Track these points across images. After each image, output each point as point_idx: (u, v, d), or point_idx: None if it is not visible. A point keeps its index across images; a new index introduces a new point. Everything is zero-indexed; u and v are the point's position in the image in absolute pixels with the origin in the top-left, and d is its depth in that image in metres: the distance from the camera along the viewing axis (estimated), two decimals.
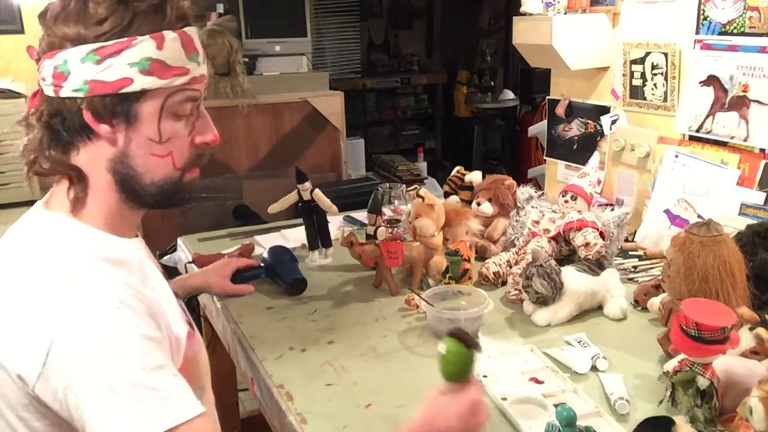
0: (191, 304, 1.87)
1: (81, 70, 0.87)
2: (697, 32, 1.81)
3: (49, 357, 0.81)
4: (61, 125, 0.91)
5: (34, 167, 0.94)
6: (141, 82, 0.88)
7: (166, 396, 0.82)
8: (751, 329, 1.17)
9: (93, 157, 0.93)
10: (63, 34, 0.88)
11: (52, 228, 0.92)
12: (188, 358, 0.99)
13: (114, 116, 0.90)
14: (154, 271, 1.01)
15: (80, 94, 0.88)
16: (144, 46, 0.88)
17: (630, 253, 1.80)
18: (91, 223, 0.93)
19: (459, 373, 0.98)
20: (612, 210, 1.74)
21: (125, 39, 0.87)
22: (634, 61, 2.01)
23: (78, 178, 0.93)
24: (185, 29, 0.92)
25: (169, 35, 0.89)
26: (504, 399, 1.15)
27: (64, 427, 0.84)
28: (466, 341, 0.97)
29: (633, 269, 1.73)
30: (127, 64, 0.87)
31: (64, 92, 0.88)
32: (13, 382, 0.83)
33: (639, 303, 1.53)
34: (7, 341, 0.84)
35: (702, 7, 1.79)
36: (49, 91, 0.90)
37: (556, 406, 0.98)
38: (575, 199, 1.68)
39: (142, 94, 0.89)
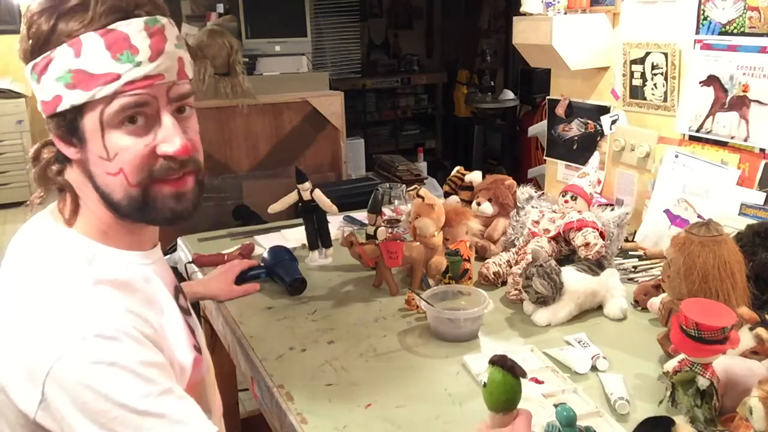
0: (191, 303, 1.87)
1: (35, 90, 0.82)
2: (697, 32, 1.81)
3: (45, 388, 0.76)
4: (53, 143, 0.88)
5: (42, 181, 0.91)
6: (68, 98, 0.80)
7: (176, 420, 0.79)
8: (751, 329, 1.17)
9: (78, 175, 0.88)
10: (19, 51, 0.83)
11: (56, 244, 0.87)
12: (193, 384, 0.94)
13: (70, 136, 0.83)
14: (161, 291, 0.95)
15: (44, 116, 0.84)
16: (63, 57, 0.78)
17: (630, 253, 1.80)
18: (94, 237, 0.89)
19: (504, 403, 0.93)
20: (612, 210, 1.74)
21: (47, 52, 0.79)
22: (634, 61, 2.01)
23: (71, 194, 0.90)
24: (116, 24, 0.79)
25: (89, 39, 0.78)
26: None
27: None
28: (509, 369, 0.93)
29: (633, 269, 1.73)
30: (54, 79, 0.79)
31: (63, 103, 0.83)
32: (14, 406, 0.80)
33: (639, 303, 1.53)
34: (6, 369, 0.80)
35: (702, 7, 1.79)
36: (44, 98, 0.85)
37: (556, 406, 0.98)
38: (575, 199, 1.68)
39: (78, 111, 0.81)
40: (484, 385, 0.94)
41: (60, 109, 0.81)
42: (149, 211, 0.88)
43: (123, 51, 0.79)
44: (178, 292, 1.00)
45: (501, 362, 0.93)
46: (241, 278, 1.72)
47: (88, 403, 0.76)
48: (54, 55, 0.79)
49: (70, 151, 0.85)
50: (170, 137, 0.86)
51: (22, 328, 0.80)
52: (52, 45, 0.79)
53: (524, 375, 0.93)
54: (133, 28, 0.80)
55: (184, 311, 1.00)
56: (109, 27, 0.78)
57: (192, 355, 0.94)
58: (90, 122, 0.82)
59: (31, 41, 0.80)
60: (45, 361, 0.77)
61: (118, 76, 0.79)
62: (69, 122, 0.82)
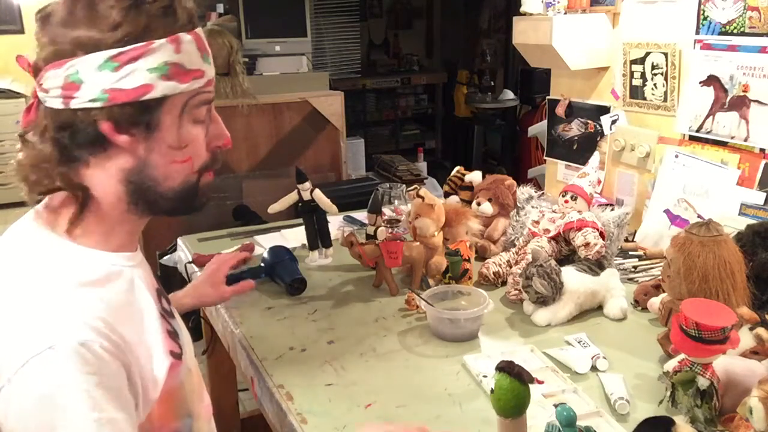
0: None
1: (97, 78, 0.82)
2: (697, 32, 1.81)
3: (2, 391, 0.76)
4: (70, 139, 0.84)
5: (38, 187, 0.88)
6: (162, 88, 0.84)
7: None
8: (751, 329, 1.17)
9: (104, 170, 0.87)
10: (74, 40, 0.81)
11: (41, 252, 0.87)
12: (169, 390, 0.92)
13: (134, 125, 0.85)
14: (143, 294, 0.93)
15: (97, 105, 0.82)
16: (163, 51, 0.84)
17: (630, 253, 1.80)
18: (85, 242, 0.89)
19: (513, 409, 0.94)
20: (612, 210, 1.74)
21: (143, 44, 0.82)
22: (634, 61, 2.01)
23: (83, 196, 0.88)
24: (196, 30, 0.89)
25: (185, 37, 0.86)
26: None
27: None
28: (517, 375, 0.93)
29: (633, 269, 1.73)
30: (146, 69, 0.83)
31: (76, 103, 0.82)
32: None
33: (639, 303, 1.53)
34: None
35: (702, 7, 1.79)
36: (56, 104, 0.83)
37: (556, 406, 0.98)
38: (575, 199, 1.68)
39: (162, 101, 0.85)
40: (492, 391, 0.94)
41: (147, 97, 0.84)
42: (195, 199, 0.96)
43: (204, 52, 0.89)
44: (160, 295, 1.00)
45: (508, 368, 0.93)
46: (239, 278, 1.71)
47: (29, 416, 0.76)
48: (153, 47, 0.83)
49: (120, 139, 0.85)
50: (222, 131, 0.96)
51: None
52: (146, 38, 0.83)
53: (532, 380, 0.93)
54: (203, 34, 0.91)
55: (167, 314, 0.99)
56: (195, 30, 0.88)
57: (167, 362, 0.93)
58: (170, 113, 0.87)
59: (118, 31, 0.82)
60: (11, 366, 0.77)
61: (204, 73, 0.89)
62: (144, 111, 0.85)
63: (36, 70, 0.85)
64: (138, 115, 0.85)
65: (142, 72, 0.83)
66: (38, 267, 0.85)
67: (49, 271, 0.85)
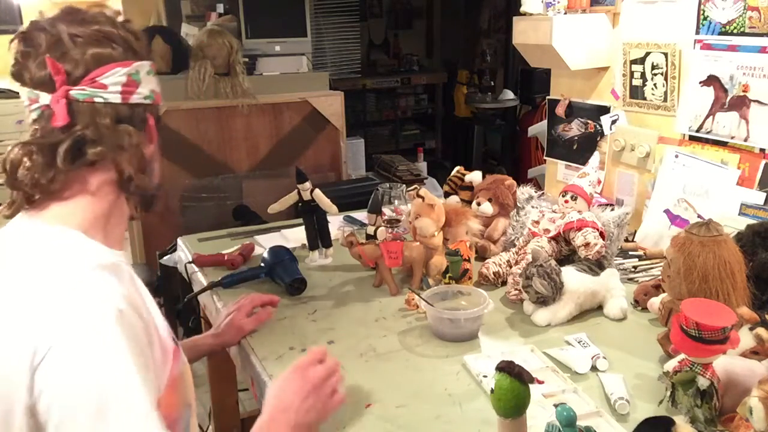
0: (191, 304, 1.87)
1: (148, 81, 0.98)
2: (697, 32, 1.81)
3: (39, 370, 0.80)
4: (101, 134, 0.94)
5: (52, 185, 0.92)
6: (158, 97, 1.03)
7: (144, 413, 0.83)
8: (751, 329, 1.17)
9: (113, 176, 0.98)
10: (131, 46, 0.97)
11: (59, 241, 0.92)
12: (174, 377, 0.97)
13: (158, 122, 1.03)
14: (142, 286, 1.00)
15: (148, 101, 0.99)
16: (146, 67, 1.00)
17: (630, 253, 1.80)
18: (93, 236, 0.95)
19: (513, 409, 0.94)
20: (612, 210, 1.74)
21: (144, 62, 0.99)
22: (634, 61, 2.01)
23: (89, 198, 0.96)
24: None
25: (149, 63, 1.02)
26: None
27: None
28: (517, 375, 0.93)
29: (633, 269, 1.73)
30: (151, 77, 1.01)
31: (135, 99, 0.96)
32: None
33: (639, 303, 1.53)
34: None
35: (702, 7, 1.79)
36: (115, 98, 0.94)
37: (556, 406, 0.98)
38: (575, 199, 1.68)
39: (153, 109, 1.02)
40: (492, 391, 0.94)
41: (158, 103, 1.02)
42: (160, 196, 1.07)
43: None
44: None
45: (508, 369, 0.93)
46: (240, 278, 1.72)
47: (79, 376, 0.80)
48: (146, 62, 1.00)
49: (155, 133, 1.03)
50: None
51: (18, 307, 0.85)
52: (140, 58, 0.98)
53: (532, 380, 0.93)
54: None
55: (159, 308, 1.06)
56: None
57: (172, 345, 0.99)
58: (152, 122, 1.02)
59: (129, 46, 0.97)
60: (51, 336, 0.81)
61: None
62: (144, 116, 1.00)
63: (75, 78, 0.92)
64: (159, 114, 1.03)
65: (151, 80, 1.00)
66: (60, 252, 0.90)
67: (72, 254, 0.91)
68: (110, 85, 0.93)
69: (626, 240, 1.81)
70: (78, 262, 0.89)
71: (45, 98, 0.92)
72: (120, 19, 0.99)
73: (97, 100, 0.93)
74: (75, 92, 0.91)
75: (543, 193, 1.95)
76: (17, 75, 0.94)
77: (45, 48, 0.91)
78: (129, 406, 0.82)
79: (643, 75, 1.99)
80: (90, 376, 0.80)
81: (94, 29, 0.94)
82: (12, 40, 0.94)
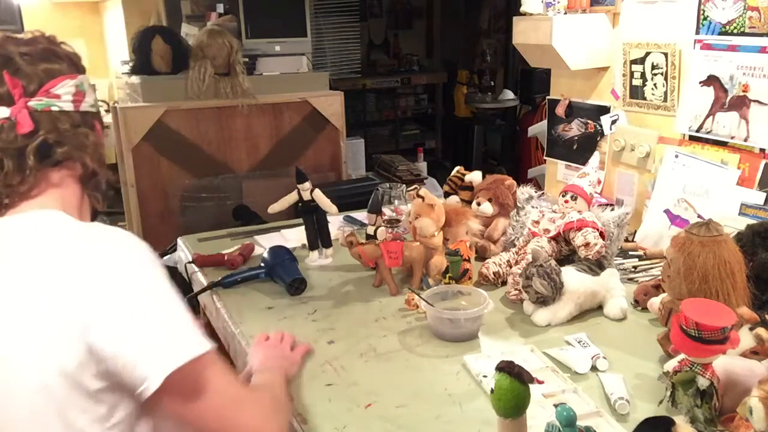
0: (191, 304, 1.87)
1: (90, 92, 1.10)
2: (697, 32, 1.81)
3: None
4: (63, 137, 1.04)
5: (22, 186, 1.02)
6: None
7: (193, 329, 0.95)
8: (751, 329, 1.17)
9: (73, 170, 1.08)
10: (73, 62, 1.09)
11: (61, 219, 1.02)
12: None
13: (102, 127, 1.15)
14: None
15: (93, 110, 1.11)
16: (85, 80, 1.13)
17: (630, 253, 1.80)
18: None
19: (513, 409, 0.94)
20: (612, 210, 1.74)
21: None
22: (634, 61, 2.01)
23: (70, 188, 1.08)
24: None
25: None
26: None
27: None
28: (517, 375, 0.93)
29: (633, 269, 1.73)
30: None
31: (83, 107, 1.08)
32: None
33: (639, 303, 1.53)
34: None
35: (702, 7, 1.79)
36: (68, 106, 1.05)
37: (556, 406, 0.98)
38: (575, 199, 1.68)
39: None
40: (492, 391, 0.94)
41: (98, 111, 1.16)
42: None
43: None
44: None
45: (508, 368, 0.93)
46: (240, 278, 1.72)
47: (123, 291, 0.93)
48: (86, 76, 1.13)
49: (101, 135, 1.14)
50: None
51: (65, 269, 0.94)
52: (82, 72, 1.12)
53: (531, 380, 0.93)
54: None
55: None
56: None
57: None
58: (98, 127, 1.15)
59: (72, 61, 1.11)
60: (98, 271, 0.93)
61: None
62: (92, 122, 1.13)
63: (38, 86, 1.03)
64: (101, 123, 1.15)
65: (96, 96, 1.15)
66: (65, 224, 1.01)
67: (76, 222, 1.04)
68: (63, 95, 1.05)
69: (626, 240, 1.81)
70: (88, 225, 1.02)
71: (5, 111, 1.01)
72: (57, 39, 1.12)
73: (53, 108, 1.04)
74: (33, 103, 1.02)
75: (543, 193, 1.96)
76: None
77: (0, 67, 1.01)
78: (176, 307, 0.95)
79: (643, 75, 1.99)
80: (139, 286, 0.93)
81: (41, 47, 1.06)
82: None
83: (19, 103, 1.01)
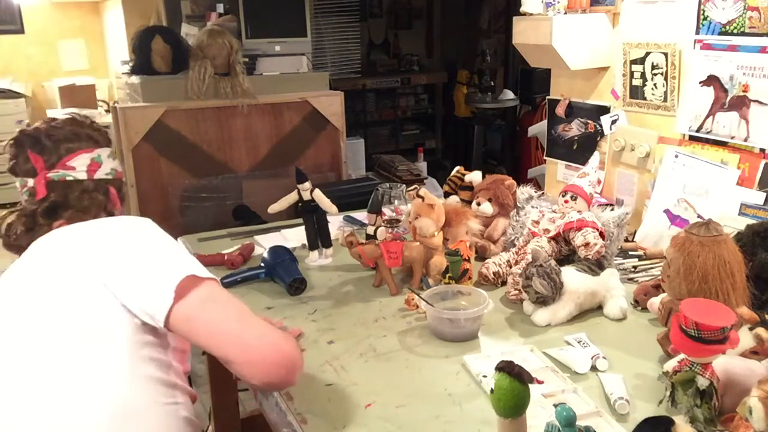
0: None
1: (108, 162, 1.32)
2: (697, 32, 1.81)
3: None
4: (69, 201, 1.26)
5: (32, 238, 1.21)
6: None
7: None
8: (751, 329, 1.17)
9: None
10: (94, 139, 1.31)
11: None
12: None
13: (120, 193, 1.36)
14: None
15: (109, 177, 1.31)
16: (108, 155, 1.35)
17: (630, 253, 1.80)
18: None
19: (512, 408, 0.94)
20: (612, 210, 1.74)
21: (111, 147, 1.35)
22: (634, 61, 2.01)
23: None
24: None
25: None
26: None
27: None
28: (516, 375, 0.93)
29: (633, 269, 1.73)
30: (119, 163, 1.37)
31: (98, 175, 1.29)
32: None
33: (639, 303, 1.53)
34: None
35: (702, 7, 1.79)
36: (81, 175, 1.27)
37: (556, 406, 0.98)
38: (575, 199, 1.68)
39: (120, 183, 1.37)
40: (492, 391, 0.94)
41: (123, 179, 1.40)
42: None
43: None
44: None
45: (508, 368, 0.93)
46: (240, 278, 1.72)
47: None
48: (107, 149, 1.35)
49: (116, 196, 1.36)
50: None
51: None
52: (101, 146, 1.34)
53: (531, 380, 0.93)
54: None
55: None
56: None
57: None
58: (113, 191, 1.36)
59: (92, 138, 1.32)
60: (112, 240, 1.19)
61: None
62: (120, 188, 1.38)
63: (56, 160, 1.26)
64: (122, 187, 1.36)
65: (118, 163, 1.36)
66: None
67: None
68: (77, 166, 1.26)
69: (626, 240, 1.81)
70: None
71: (30, 182, 1.25)
72: (87, 121, 1.34)
73: (68, 177, 1.25)
74: (51, 174, 1.24)
75: (543, 193, 1.96)
76: (12, 170, 1.27)
77: (28, 146, 1.25)
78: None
79: (643, 75, 1.99)
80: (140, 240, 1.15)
81: (66, 130, 1.28)
82: (5, 145, 1.27)
83: (40, 175, 1.24)
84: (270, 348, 1.07)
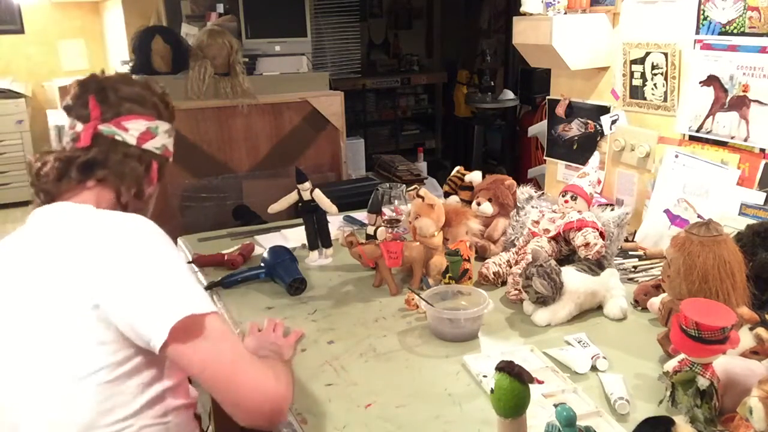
0: None
1: (163, 137, 1.29)
2: (697, 32, 1.81)
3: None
4: (109, 161, 1.21)
5: (61, 188, 1.18)
6: (170, 156, 1.33)
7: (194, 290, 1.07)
8: (751, 329, 1.17)
9: (106, 190, 1.22)
10: (158, 109, 1.27)
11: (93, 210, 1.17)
12: None
13: (162, 172, 1.30)
14: None
15: (158, 151, 1.28)
16: (171, 131, 1.32)
17: (630, 253, 1.80)
18: None
19: (512, 408, 0.94)
20: (612, 210, 1.74)
21: (172, 125, 1.32)
22: (634, 61, 2.01)
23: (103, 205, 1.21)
24: None
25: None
26: None
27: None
28: (516, 375, 0.93)
29: (633, 269, 1.73)
30: (172, 143, 1.32)
31: (147, 146, 1.25)
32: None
33: (639, 303, 1.53)
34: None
35: (702, 7, 1.79)
36: (131, 140, 1.23)
37: (556, 406, 0.98)
38: (575, 199, 1.68)
39: (167, 162, 1.32)
40: (492, 391, 0.94)
41: (170, 159, 1.34)
42: None
43: None
44: None
45: (508, 369, 0.93)
46: (240, 278, 1.72)
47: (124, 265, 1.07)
48: (167, 124, 1.31)
49: (155, 174, 1.32)
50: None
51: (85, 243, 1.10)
52: (163, 119, 1.30)
53: (531, 380, 0.93)
54: None
55: None
56: None
57: None
58: (155, 167, 1.31)
59: (171, 114, 1.33)
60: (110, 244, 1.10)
61: None
62: (164, 165, 1.33)
63: (114, 115, 1.22)
64: (164, 166, 1.31)
65: (171, 143, 1.32)
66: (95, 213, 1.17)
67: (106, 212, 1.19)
68: (131, 129, 1.22)
69: (626, 240, 1.81)
70: (105, 212, 1.16)
71: (80, 127, 1.20)
72: (159, 90, 1.31)
73: (117, 137, 1.21)
74: (103, 127, 1.20)
75: (543, 193, 1.96)
76: (67, 107, 1.23)
77: (92, 91, 1.21)
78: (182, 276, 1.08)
79: (643, 75, 1.99)
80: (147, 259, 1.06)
81: (135, 90, 1.25)
82: (72, 84, 1.24)
83: (91, 123, 1.20)
84: (260, 397, 1.04)
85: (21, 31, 5.54)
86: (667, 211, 1.86)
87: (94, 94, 1.21)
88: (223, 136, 3.29)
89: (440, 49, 6.92)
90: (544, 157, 2.49)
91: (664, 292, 1.36)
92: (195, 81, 3.14)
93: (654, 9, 1.93)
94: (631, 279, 1.68)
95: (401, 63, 6.65)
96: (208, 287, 1.70)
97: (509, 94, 5.43)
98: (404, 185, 2.08)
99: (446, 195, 2.06)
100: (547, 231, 1.68)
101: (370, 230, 1.77)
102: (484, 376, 1.23)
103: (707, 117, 1.80)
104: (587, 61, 2.11)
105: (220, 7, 3.61)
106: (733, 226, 1.46)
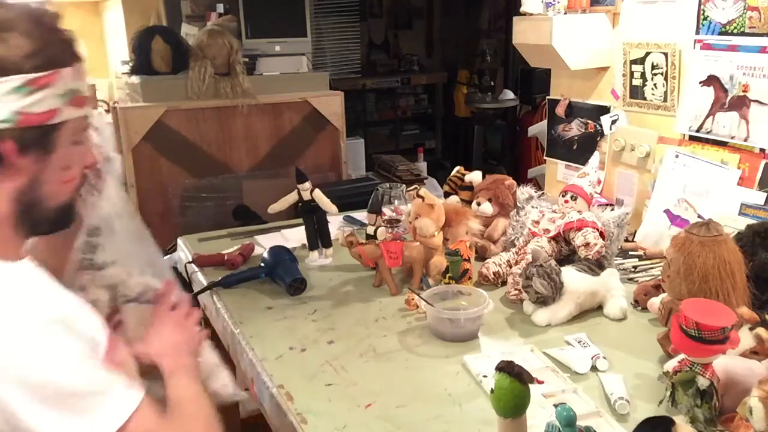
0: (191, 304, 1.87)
1: (8, 101, 0.85)
2: (697, 32, 1.81)
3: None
4: None
5: None
6: (66, 113, 0.91)
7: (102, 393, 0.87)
8: (751, 329, 1.17)
9: None
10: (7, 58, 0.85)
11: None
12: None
13: (33, 148, 0.89)
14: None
15: (7, 125, 0.86)
16: (66, 78, 0.90)
17: (630, 253, 1.80)
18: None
19: (513, 409, 0.94)
20: (612, 210, 1.74)
21: (52, 71, 0.88)
22: (634, 61, 2.01)
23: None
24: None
25: (81, 66, 0.94)
26: None
27: None
28: (517, 375, 0.93)
29: (633, 269, 1.73)
30: (55, 95, 0.89)
31: None
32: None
33: (639, 303, 1.53)
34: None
35: (702, 7, 1.79)
36: None
37: (556, 406, 0.98)
38: (575, 199, 1.68)
39: (62, 124, 0.91)
40: (492, 391, 0.94)
41: (52, 121, 0.90)
42: (71, 215, 1.02)
43: (85, 79, 0.95)
44: None
45: (508, 369, 0.93)
46: (240, 278, 1.72)
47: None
48: (61, 74, 0.89)
49: (19, 159, 0.89)
50: (91, 152, 1.02)
51: None
52: (54, 66, 0.89)
53: (531, 380, 0.93)
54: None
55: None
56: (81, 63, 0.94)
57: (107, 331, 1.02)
58: (64, 136, 0.93)
59: (34, 59, 0.87)
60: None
61: (88, 100, 0.96)
62: (44, 134, 0.90)
63: None
64: (41, 137, 0.90)
65: (51, 97, 0.89)
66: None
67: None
68: None
69: (626, 240, 1.81)
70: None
71: None
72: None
73: None
74: None
75: (543, 193, 1.96)
76: None
77: None
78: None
79: (643, 75, 1.99)
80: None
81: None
82: None
83: None
84: None
85: None
86: (667, 211, 1.86)
87: None
88: (223, 136, 3.29)
89: (440, 49, 6.92)
90: (544, 157, 2.49)
91: (664, 292, 1.36)
92: (195, 81, 3.14)
93: (654, 9, 1.93)
94: (631, 279, 1.68)
95: (401, 63, 6.64)
96: (208, 287, 1.70)
97: (509, 94, 5.43)
98: (404, 185, 2.08)
99: (446, 195, 2.06)
100: (547, 231, 1.67)
101: (370, 230, 1.77)
102: (484, 376, 1.23)
103: (707, 117, 1.80)
104: (587, 61, 2.11)
105: (220, 7, 3.61)
106: (733, 226, 1.46)
